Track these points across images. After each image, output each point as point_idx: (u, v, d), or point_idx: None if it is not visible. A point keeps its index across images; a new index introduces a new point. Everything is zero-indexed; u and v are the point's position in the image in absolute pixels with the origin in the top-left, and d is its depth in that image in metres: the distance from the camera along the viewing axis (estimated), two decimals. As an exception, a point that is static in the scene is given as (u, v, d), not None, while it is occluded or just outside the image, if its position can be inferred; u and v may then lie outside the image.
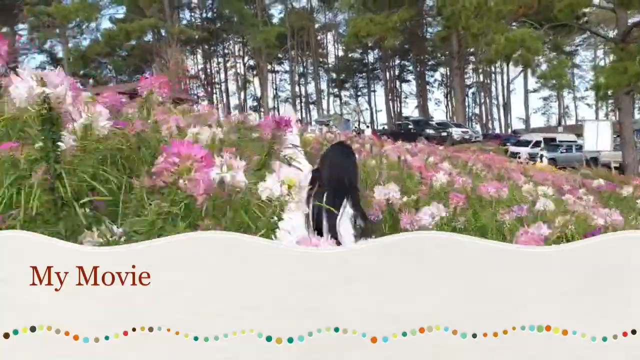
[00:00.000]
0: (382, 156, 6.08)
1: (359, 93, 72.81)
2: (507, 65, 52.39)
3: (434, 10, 39.62)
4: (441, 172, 4.43)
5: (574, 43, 55.78)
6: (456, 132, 34.21)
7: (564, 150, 31.11)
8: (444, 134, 32.66)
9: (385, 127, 60.82)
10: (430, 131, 33.29)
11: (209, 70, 68.53)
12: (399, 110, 68.04)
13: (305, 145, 8.93)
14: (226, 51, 68.70)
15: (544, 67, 31.78)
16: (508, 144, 36.34)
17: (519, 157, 29.05)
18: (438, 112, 70.34)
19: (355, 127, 40.65)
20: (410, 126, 35.26)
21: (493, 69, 64.74)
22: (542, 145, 33.39)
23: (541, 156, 28.46)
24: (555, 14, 22.70)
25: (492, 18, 22.42)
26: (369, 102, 72.22)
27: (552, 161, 28.26)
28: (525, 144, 34.22)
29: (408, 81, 70.61)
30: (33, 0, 39.58)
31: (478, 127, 57.33)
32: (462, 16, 23.23)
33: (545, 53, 32.42)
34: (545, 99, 69.65)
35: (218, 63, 69.31)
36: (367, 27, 30.80)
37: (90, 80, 59.99)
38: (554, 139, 34.61)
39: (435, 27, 57.41)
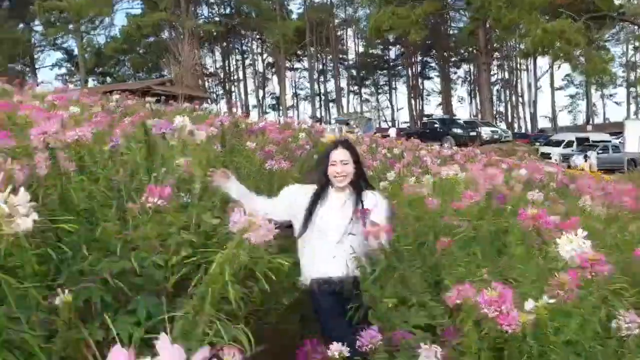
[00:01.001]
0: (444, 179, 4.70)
1: (380, 90, 71.31)
2: (534, 59, 50.60)
3: (462, 1, 37.85)
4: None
5: (602, 39, 53.53)
6: (485, 132, 32.37)
7: (601, 151, 29.04)
8: (473, 133, 30.87)
9: (407, 125, 59.22)
10: (457, 130, 31.48)
11: (227, 68, 67.61)
12: (420, 108, 66.32)
13: (322, 145, 7.71)
14: (244, 48, 67.64)
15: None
16: (537, 143, 34.56)
17: (550, 158, 27.45)
18: (461, 110, 68.52)
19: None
20: (436, 125, 33.31)
21: (518, 65, 62.79)
22: (575, 145, 31.54)
23: (585, 157, 26.49)
24: (595, 3, 20.93)
25: (525, 9, 20.76)
26: (390, 100, 70.77)
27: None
28: (557, 144, 32.37)
29: (430, 78, 68.92)
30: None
31: (503, 125, 55.22)
32: (493, 7, 21.62)
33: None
34: (572, 96, 67.44)
35: (236, 61, 68.30)
36: (389, 21, 29.29)
37: (108, 78, 59.58)
38: (587, 139, 32.59)
39: (459, 22, 55.92)
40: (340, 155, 3.12)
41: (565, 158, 28.21)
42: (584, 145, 30.92)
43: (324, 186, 3.14)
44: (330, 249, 2.94)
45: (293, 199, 3.16)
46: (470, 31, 30.29)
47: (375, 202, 3.06)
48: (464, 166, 6.34)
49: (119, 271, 1.90)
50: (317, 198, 3.10)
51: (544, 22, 21.51)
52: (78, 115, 3.99)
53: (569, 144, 31.86)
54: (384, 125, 59.53)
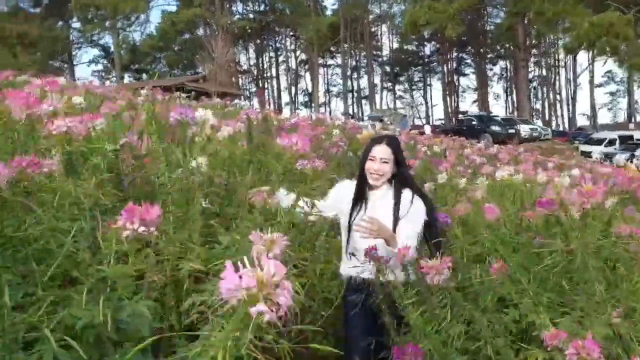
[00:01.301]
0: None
1: (414, 87, 70.45)
2: (574, 55, 49.09)
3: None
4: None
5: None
6: (524, 129, 31.45)
7: (646, 150, 27.79)
8: (511, 131, 29.97)
9: (442, 122, 58.26)
10: (495, 128, 30.55)
11: (260, 65, 67.81)
12: (455, 104, 65.30)
13: (360, 144, 7.37)
14: (278, 45, 67.69)
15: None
16: (576, 141, 33.50)
17: (591, 157, 26.43)
18: (497, 108, 67.08)
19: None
20: (473, 122, 32.38)
21: (557, 62, 61.15)
22: (617, 143, 30.40)
23: (632, 156, 25.41)
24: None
25: (569, 2, 19.92)
26: (424, 97, 69.79)
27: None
28: (598, 142, 31.26)
29: (466, 75, 67.72)
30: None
31: (539, 123, 53.77)
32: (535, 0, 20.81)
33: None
34: (612, 93, 65.34)
35: (270, 58, 68.45)
36: (426, 15, 28.68)
37: (144, 75, 60.38)
38: (631, 137, 31.36)
39: (496, 17, 54.70)
40: (381, 152, 2.93)
41: (608, 157, 27.13)
42: (627, 143, 29.77)
43: (362, 184, 3.00)
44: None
45: (340, 193, 3.09)
46: (508, 26, 29.26)
47: (408, 205, 2.87)
48: (514, 167, 5.89)
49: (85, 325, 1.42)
50: (357, 200, 2.99)
51: (589, 15, 20.59)
52: (78, 106, 3.71)
53: (611, 142, 30.77)
54: (417, 122, 58.79)
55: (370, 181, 2.94)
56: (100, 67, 60.62)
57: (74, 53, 56.22)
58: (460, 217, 3.20)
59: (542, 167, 8.53)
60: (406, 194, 2.91)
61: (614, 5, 20.74)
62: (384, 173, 2.92)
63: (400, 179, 2.98)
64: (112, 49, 52.38)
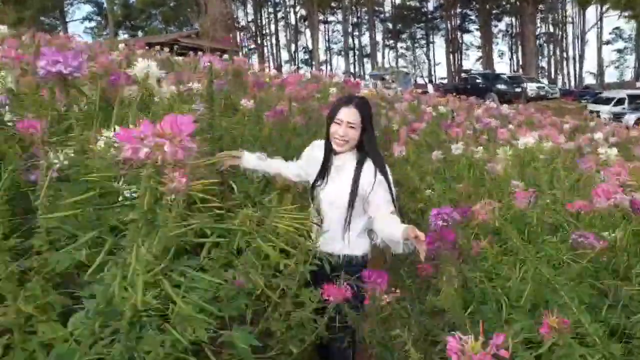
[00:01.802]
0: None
1: (417, 44, 68.76)
2: (583, 10, 47.59)
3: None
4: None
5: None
6: (531, 88, 30.42)
7: (657, 110, 26.89)
8: (518, 89, 29.00)
9: (444, 80, 57.02)
10: (501, 86, 29.58)
11: (259, 21, 66.19)
12: (459, 63, 63.90)
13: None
14: (277, 0, 65.82)
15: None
16: (584, 101, 32.55)
17: (599, 116, 25.56)
18: (501, 66, 65.60)
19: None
20: (478, 80, 31.37)
21: (563, 18, 59.41)
22: (627, 103, 29.48)
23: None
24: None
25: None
26: (427, 55, 68.26)
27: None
28: (606, 101, 30.27)
29: (470, 32, 65.96)
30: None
31: (545, 81, 52.49)
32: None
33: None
34: (619, 51, 63.72)
35: (269, 14, 66.72)
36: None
37: (140, 32, 58.84)
38: (639, 96, 30.34)
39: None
40: (348, 115, 2.61)
41: (617, 117, 26.22)
42: (636, 103, 28.85)
43: (328, 149, 2.70)
44: (329, 223, 2.51)
45: (313, 155, 2.79)
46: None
47: (371, 179, 2.59)
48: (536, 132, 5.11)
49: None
50: (323, 165, 2.71)
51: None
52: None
53: (620, 102, 29.83)
54: (419, 81, 57.47)
55: (334, 146, 2.65)
56: (94, 24, 59.06)
57: (66, 9, 54.66)
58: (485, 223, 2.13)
59: (559, 129, 7.77)
60: (367, 169, 2.62)
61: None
62: (350, 139, 2.62)
63: (364, 147, 2.66)
64: (105, 4, 50.84)
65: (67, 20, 55.10)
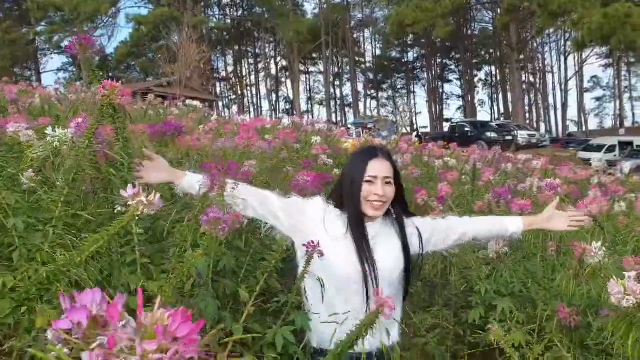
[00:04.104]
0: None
1: (397, 94, 68.69)
2: (565, 58, 47.65)
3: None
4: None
5: None
6: (521, 136, 29.55)
7: (650, 157, 25.96)
8: (508, 137, 28.05)
9: (427, 129, 56.45)
10: (491, 134, 28.62)
11: (239, 72, 65.91)
12: (440, 111, 63.80)
13: (344, 155, 5.39)
14: (258, 51, 65.64)
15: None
16: (570, 148, 31.71)
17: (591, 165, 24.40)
18: (482, 114, 65.63)
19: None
20: (466, 128, 30.50)
21: (542, 68, 59.82)
22: (617, 150, 28.68)
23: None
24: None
25: (577, -8, 17.89)
26: (408, 104, 68.06)
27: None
28: (598, 148, 29.38)
29: (450, 81, 66.29)
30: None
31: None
32: (539, -10, 18.78)
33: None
34: (598, 99, 64.12)
35: (249, 65, 66.56)
36: (413, 15, 26.55)
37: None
38: (630, 143, 29.59)
39: (481, 21, 53.18)
40: (382, 169, 2.02)
41: (611, 165, 25.26)
42: (632, 150, 28.13)
43: (359, 219, 2.00)
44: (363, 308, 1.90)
45: (311, 212, 2.06)
46: (504, 24, 27.09)
47: (415, 235, 2.09)
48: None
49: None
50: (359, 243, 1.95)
51: (597, 7, 18.53)
52: None
53: (611, 149, 29.04)
54: (402, 130, 56.74)
55: (370, 211, 2.01)
56: (69, 75, 57.92)
57: (41, 60, 53.52)
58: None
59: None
60: (411, 226, 2.12)
61: (623, -4, 18.66)
62: (389, 199, 2.04)
63: (403, 202, 2.14)
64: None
65: (41, 71, 53.88)
